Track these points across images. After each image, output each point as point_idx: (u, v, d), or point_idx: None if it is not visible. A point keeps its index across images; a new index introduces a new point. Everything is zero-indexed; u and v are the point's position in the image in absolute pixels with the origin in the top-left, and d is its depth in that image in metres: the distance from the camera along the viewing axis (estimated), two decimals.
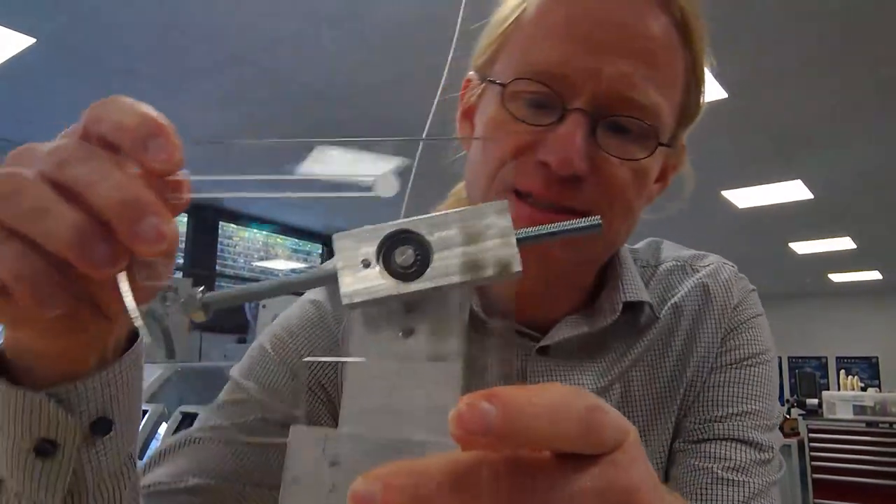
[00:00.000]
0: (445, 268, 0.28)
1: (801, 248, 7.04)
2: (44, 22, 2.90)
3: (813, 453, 5.01)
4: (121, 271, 0.29)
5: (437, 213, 0.29)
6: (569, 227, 0.30)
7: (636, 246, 0.70)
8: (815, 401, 5.89)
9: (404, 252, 0.28)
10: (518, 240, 0.28)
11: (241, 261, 6.54)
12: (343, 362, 0.29)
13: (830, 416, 5.28)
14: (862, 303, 9.54)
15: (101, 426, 0.38)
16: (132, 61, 3.24)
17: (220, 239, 6.18)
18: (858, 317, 9.54)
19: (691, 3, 0.55)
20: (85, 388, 0.37)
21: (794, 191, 5.05)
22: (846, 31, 2.86)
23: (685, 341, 0.62)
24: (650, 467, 0.26)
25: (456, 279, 0.28)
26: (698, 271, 0.66)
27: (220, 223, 6.17)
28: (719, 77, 3.27)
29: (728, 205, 5.40)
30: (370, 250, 0.29)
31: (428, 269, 0.28)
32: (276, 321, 0.67)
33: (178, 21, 2.88)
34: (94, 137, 0.30)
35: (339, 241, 0.29)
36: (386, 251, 0.29)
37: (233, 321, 3.77)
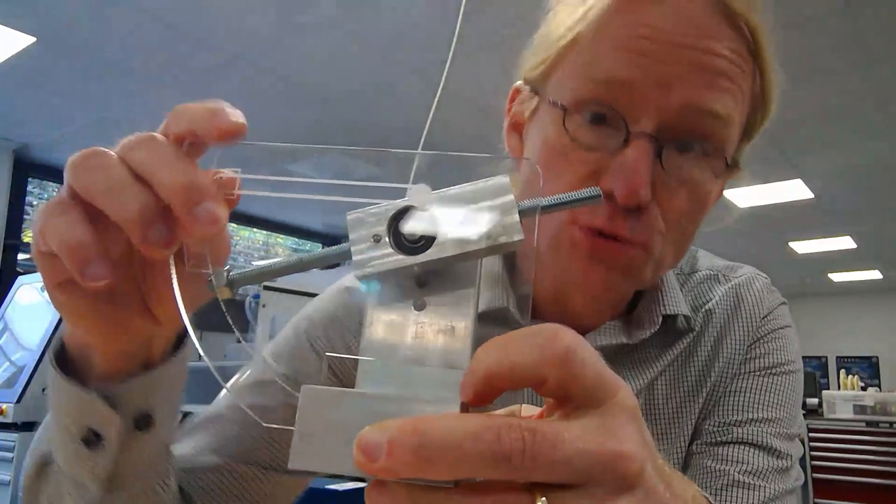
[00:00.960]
0: (451, 240, 0.30)
1: (802, 247, 7.03)
2: (44, 21, 2.90)
3: (813, 453, 5.00)
4: (170, 254, 0.32)
5: (443, 190, 0.31)
6: (568, 199, 0.32)
7: None
8: (816, 400, 5.88)
9: (411, 227, 0.30)
10: (520, 211, 0.30)
11: (242, 260, 6.54)
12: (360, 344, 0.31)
13: (830, 416, 5.28)
14: (862, 302, 9.53)
15: (144, 422, 0.40)
16: (132, 61, 3.24)
17: None
18: (858, 316, 9.53)
19: (760, 19, 0.53)
20: (131, 388, 0.39)
21: (794, 190, 5.04)
22: (847, 30, 2.86)
23: (712, 347, 0.62)
24: (644, 434, 0.27)
25: (461, 250, 0.29)
26: (731, 281, 0.65)
27: None
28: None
29: (729, 204, 5.39)
30: (381, 227, 0.31)
31: (435, 242, 0.30)
32: (310, 305, 0.68)
33: (178, 21, 2.88)
34: (169, 134, 0.33)
35: (351, 219, 0.32)
36: (395, 227, 0.30)
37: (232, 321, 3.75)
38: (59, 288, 0.34)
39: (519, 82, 0.61)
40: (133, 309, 0.37)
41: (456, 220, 0.30)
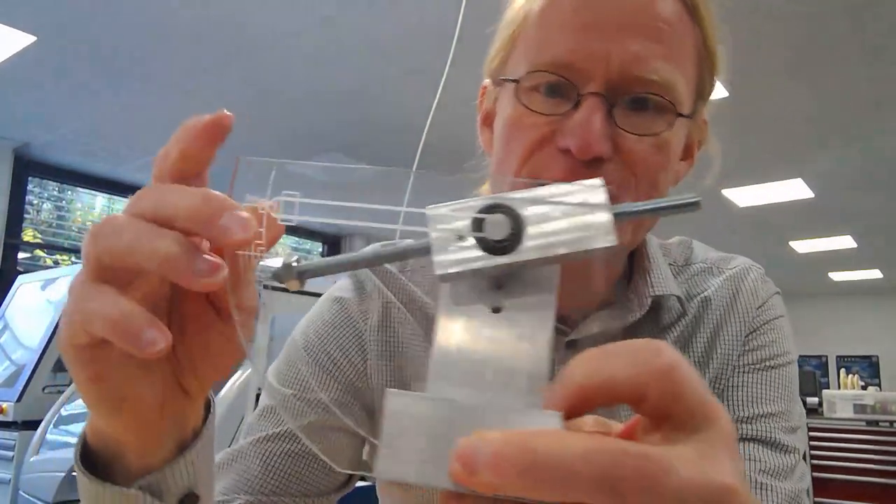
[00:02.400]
0: (538, 242, 0.28)
1: (802, 246, 7.03)
2: (44, 20, 2.90)
3: (813, 452, 5.00)
4: (220, 281, 0.30)
5: (532, 189, 0.29)
6: (665, 205, 0.30)
7: (667, 242, 0.71)
8: (816, 399, 5.88)
9: (497, 225, 0.28)
10: (614, 215, 0.28)
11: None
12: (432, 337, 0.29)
13: (831, 415, 5.27)
14: (862, 302, 9.53)
15: (189, 500, 0.38)
16: (133, 60, 3.24)
17: None
18: (859, 316, 9.52)
19: None
20: (174, 473, 0.37)
21: (794, 189, 5.04)
22: (847, 30, 2.86)
23: (710, 337, 0.63)
24: (741, 463, 0.26)
25: (549, 253, 0.28)
26: (725, 272, 0.66)
27: None
28: (719, 78, 3.27)
29: (729, 203, 5.39)
30: (464, 224, 0.29)
31: (521, 244, 0.28)
32: (304, 321, 0.68)
33: (178, 21, 2.88)
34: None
35: (432, 214, 0.30)
36: (479, 225, 0.29)
37: None
38: (93, 381, 0.32)
39: (486, 80, 0.63)
40: (167, 392, 0.35)
41: (545, 220, 0.28)
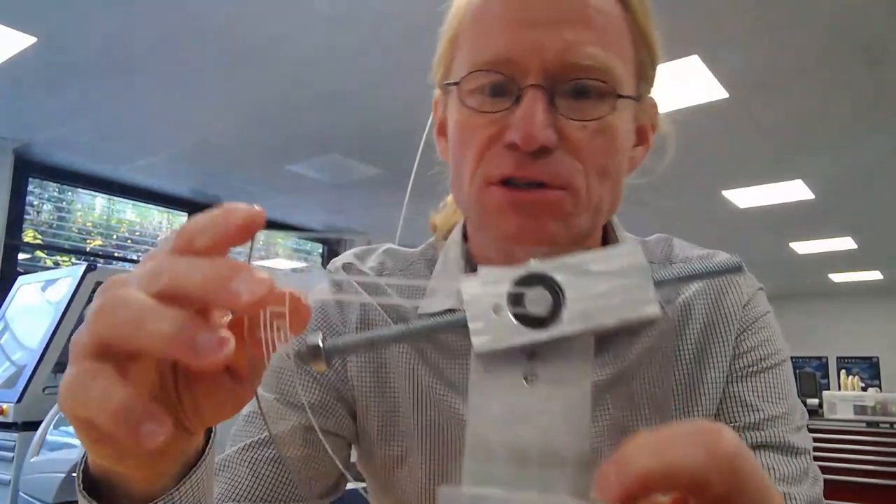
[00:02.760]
0: (578, 314, 0.27)
1: (802, 247, 7.03)
2: (44, 21, 2.90)
3: (814, 452, 4.97)
4: (225, 358, 0.28)
5: (568, 255, 0.28)
6: (707, 270, 0.29)
7: (647, 239, 0.70)
8: (816, 401, 5.88)
9: (536, 297, 0.27)
10: (655, 283, 0.27)
11: (242, 259, 6.53)
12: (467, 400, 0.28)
13: (831, 416, 5.28)
14: (862, 303, 9.53)
15: None
16: (133, 61, 3.24)
17: None
18: (859, 317, 9.52)
19: None
20: (178, 500, 0.37)
21: (795, 190, 5.04)
22: (847, 30, 2.86)
23: (698, 342, 0.62)
24: None
25: (589, 325, 0.27)
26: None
27: None
28: (719, 77, 3.27)
29: (729, 204, 5.40)
30: (501, 295, 0.28)
31: (560, 316, 0.27)
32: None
33: (178, 21, 2.88)
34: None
35: (467, 285, 0.28)
36: (517, 296, 0.28)
37: None
38: (100, 444, 0.32)
39: (436, 91, 0.64)
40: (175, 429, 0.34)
41: (584, 289, 0.27)
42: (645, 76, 0.59)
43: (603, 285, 0.27)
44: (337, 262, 0.69)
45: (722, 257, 0.67)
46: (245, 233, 0.30)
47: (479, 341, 0.27)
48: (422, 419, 0.62)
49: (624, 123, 0.56)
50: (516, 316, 0.27)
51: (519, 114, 0.52)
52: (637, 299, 0.27)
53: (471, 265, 0.65)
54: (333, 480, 0.64)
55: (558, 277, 0.28)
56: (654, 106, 0.63)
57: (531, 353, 0.28)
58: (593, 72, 0.52)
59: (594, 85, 0.53)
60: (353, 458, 0.67)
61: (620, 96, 0.54)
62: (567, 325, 0.27)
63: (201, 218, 0.31)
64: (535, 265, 0.28)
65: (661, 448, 0.23)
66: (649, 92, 0.61)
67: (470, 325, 0.28)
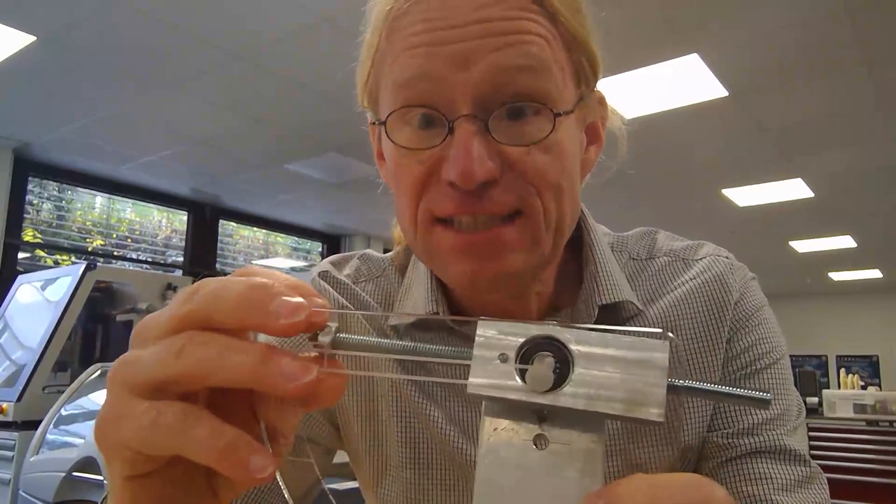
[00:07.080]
0: (582, 391, 0.26)
1: (802, 246, 7.04)
2: (44, 21, 2.90)
3: (813, 452, 4.99)
4: (311, 382, 0.29)
5: (595, 327, 0.27)
6: (731, 393, 0.28)
7: (627, 234, 0.67)
8: (816, 399, 5.88)
9: (544, 359, 0.27)
10: (669, 386, 0.26)
11: (242, 259, 6.53)
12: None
13: (831, 415, 5.28)
14: (862, 301, 9.54)
15: None
16: (133, 60, 3.24)
17: (219, 237, 6.18)
18: (859, 315, 9.53)
19: None
20: None
21: (794, 189, 5.04)
22: (846, 30, 2.85)
23: (687, 344, 0.59)
24: None
25: (591, 407, 0.26)
26: (692, 266, 0.62)
27: (221, 221, 6.17)
28: (719, 76, 3.27)
29: (729, 203, 5.40)
30: (511, 346, 0.27)
31: (564, 386, 0.26)
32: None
33: (178, 21, 2.88)
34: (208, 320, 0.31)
35: (482, 328, 0.28)
36: (526, 352, 0.27)
37: None
38: (134, 481, 0.31)
39: (368, 114, 0.60)
40: (199, 496, 0.34)
41: (593, 372, 0.26)
42: (584, 77, 0.55)
43: (615, 373, 0.26)
44: (314, 272, 0.67)
45: (707, 248, 0.65)
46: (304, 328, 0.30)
47: (475, 385, 0.27)
48: (404, 433, 0.61)
49: (570, 134, 0.53)
50: (519, 371, 0.27)
51: (453, 151, 0.48)
52: (643, 400, 0.26)
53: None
54: (303, 491, 0.63)
55: (573, 349, 0.27)
56: (602, 100, 0.60)
57: (543, 418, 0.28)
58: (526, 91, 0.49)
59: (529, 106, 0.49)
60: (349, 458, 0.67)
61: (559, 114, 0.50)
62: (568, 397, 0.26)
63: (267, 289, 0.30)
64: (554, 329, 0.27)
65: (653, 497, 0.24)
66: (594, 88, 0.57)
67: (472, 364, 0.27)
